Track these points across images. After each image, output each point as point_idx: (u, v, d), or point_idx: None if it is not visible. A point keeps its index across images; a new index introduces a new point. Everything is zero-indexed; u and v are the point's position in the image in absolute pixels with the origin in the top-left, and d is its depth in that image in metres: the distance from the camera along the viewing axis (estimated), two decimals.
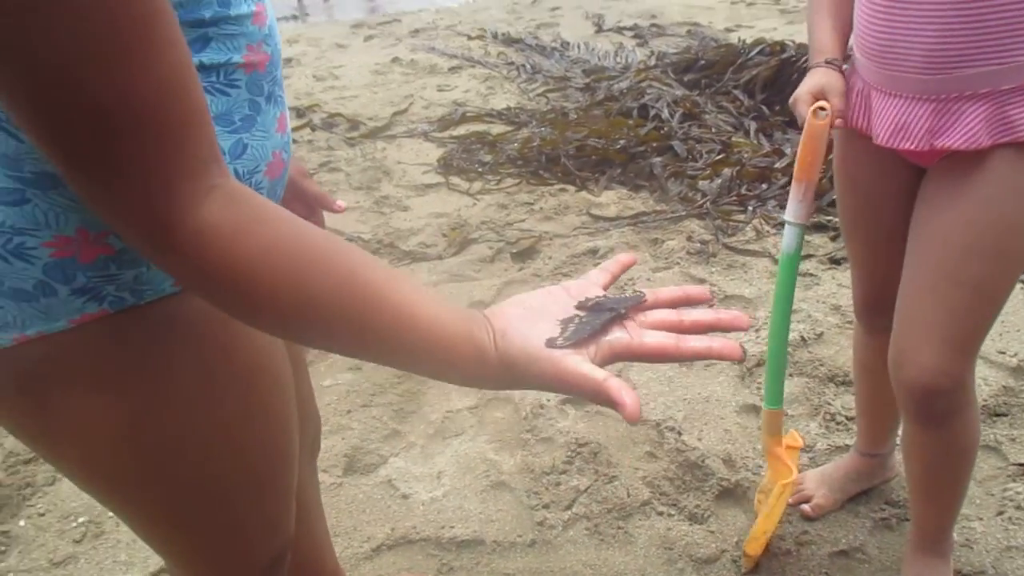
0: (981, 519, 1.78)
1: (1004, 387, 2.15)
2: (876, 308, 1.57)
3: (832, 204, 3.12)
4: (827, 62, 1.38)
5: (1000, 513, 1.79)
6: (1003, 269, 1.29)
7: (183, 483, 0.83)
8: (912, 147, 1.31)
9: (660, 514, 1.86)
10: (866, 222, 1.53)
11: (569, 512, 1.88)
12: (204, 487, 0.85)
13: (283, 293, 0.59)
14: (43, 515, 1.98)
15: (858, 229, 1.56)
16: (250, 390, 0.84)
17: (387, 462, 2.08)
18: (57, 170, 0.59)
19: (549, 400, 2.23)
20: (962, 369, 1.35)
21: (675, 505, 1.88)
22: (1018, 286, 2.58)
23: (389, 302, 0.62)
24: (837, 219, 3.00)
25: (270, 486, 0.92)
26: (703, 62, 4.51)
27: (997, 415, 2.07)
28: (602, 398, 0.60)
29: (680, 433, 2.08)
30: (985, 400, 2.10)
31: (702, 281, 2.73)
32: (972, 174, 1.27)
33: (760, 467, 1.96)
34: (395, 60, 5.58)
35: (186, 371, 0.78)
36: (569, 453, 2.04)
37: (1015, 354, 2.28)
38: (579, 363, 0.62)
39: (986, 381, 2.17)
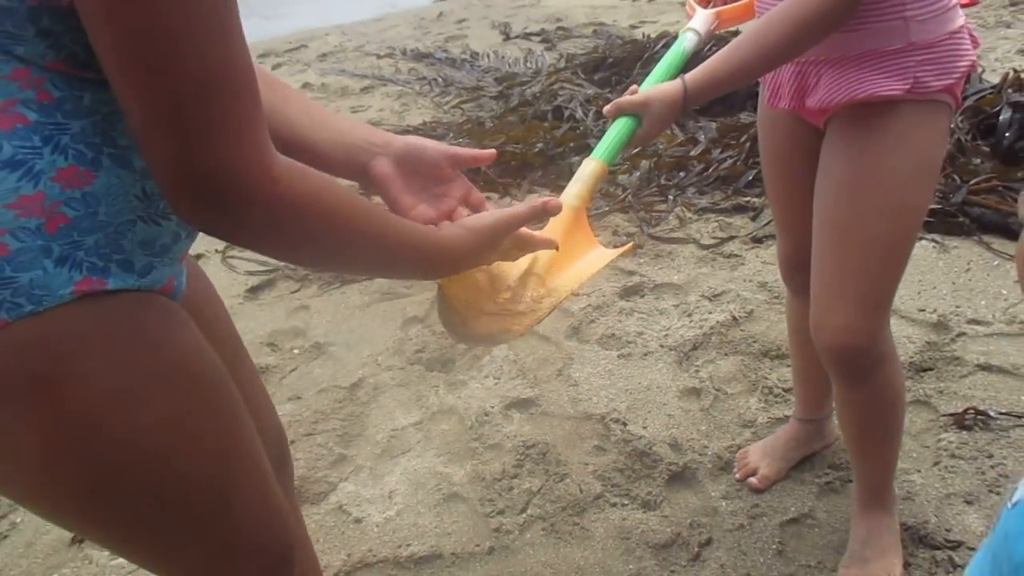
0: (919, 471, 1.84)
1: (927, 343, 2.23)
2: (798, 269, 1.63)
3: (748, 185, 3.20)
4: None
5: (936, 463, 1.86)
6: (898, 222, 1.36)
7: (129, 494, 0.81)
8: (784, 106, 1.43)
9: (613, 505, 1.88)
10: (781, 182, 1.62)
11: (524, 515, 1.88)
12: (155, 497, 0.82)
13: (331, 219, 0.78)
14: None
15: (775, 190, 1.65)
16: (177, 392, 0.82)
17: (337, 488, 2.05)
18: (146, 125, 0.68)
19: (493, 407, 2.23)
20: (876, 325, 1.41)
21: (627, 495, 1.90)
22: (931, 244, 2.69)
23: (395, 218, 0.90)
24: (756, 200, 3.09)
25: (233, 490, 0.89)
26: (611, 60, 4.59)
27: (924, 370, 2.14)
28: (536, 209, 0.98)
29: (625, 424, 2.10)
30: (911, 357, 2.17)
31: (631, 273, 2.77)
32: (857, 132, 1.35)
33: (706, 448, 2.00)
34: (306, 85, 5.53)
35: (98, 378, 0.76)
36: (518, 456, 2.04)
37: (934, 310, 2.36)
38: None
39: (909, 339, 2.25)
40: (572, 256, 1.17)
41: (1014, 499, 0.57)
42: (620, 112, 1.31)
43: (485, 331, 1.07)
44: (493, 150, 1.10)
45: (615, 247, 1.27)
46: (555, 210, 1.01)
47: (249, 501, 0.92)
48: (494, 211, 0.99)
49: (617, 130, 1.31)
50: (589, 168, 1.25)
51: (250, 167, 0.70)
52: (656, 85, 1.34)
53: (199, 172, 0.68)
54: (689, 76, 1.32)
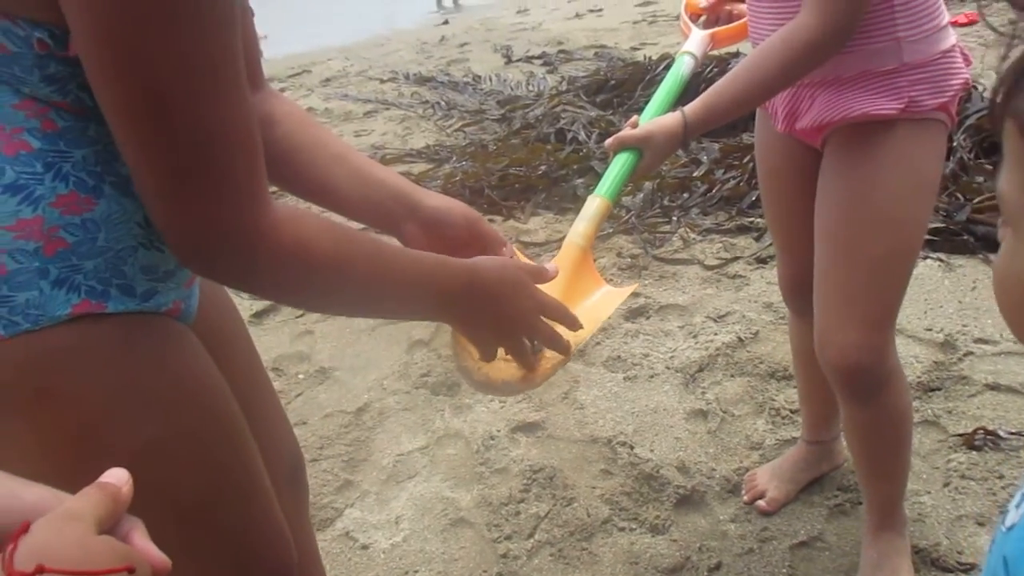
0: (929, 492, 1.83)
1: (935, 363, 2.22)
2: (800, 290, 1.62)
3: (752, 206, 3.21)
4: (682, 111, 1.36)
5: (946, 484, 1.84)
6: (899, 238, 1.37)
7: None
8: (779, 129, 1.45)
9: (622, 530, 1.86)
10: (779, 205, 1.62)
11: (532, 540, 1.87)
12: (145, 515, 0.82)
13: (335, 255, 0.79)
14: None
15: (774, 211, 1.65)
16: (173, 412, 0.82)
17: (343, 514, 2.04)
18: (145, 186, 0.71)
19: (499, 431, 2.22)
20: (881, 342, 1.41)
21: (635, 519, 1.88)
22: (936, 262, 2.68)
23: (395, 249, 0.88)
24: (760, 220, 3.09)
25: (227, 510, 0.89)
26: (613, 82, 4.61)
27: (932, 390, 2.13)
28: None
29: (632, 447, 2.09)
30: (919, 377, 2.16)
31: (636, 294, 2.77)
32: (854, 152, 1.37)
33: (714, 470, 1.98)
34: (310, 110, 5.56)
35: (94, 395, 0.77)
36: (525, 481, 2.03)
37: (941, 329, 2.36)
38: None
39: (917, 359, 2.24)
40: (579, 296, 1.17)
41: (1007, 523, 0.56)
42: (622, 146, 1.33)
43: (501, 379, 1.05)
44: (512, 248, 1.11)
45: (620, 271, 1.27)
46: (554, 275, 1.04)
47: (244, 521, 0.92)
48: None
49: (620, 165, 1.32)
50: (594, 206, 1.26)
51: (249, 222, 0.72)
52: (656, 118, 1.36)
53: (199, 231, 0.71)
54: (688, 108, 1.34)
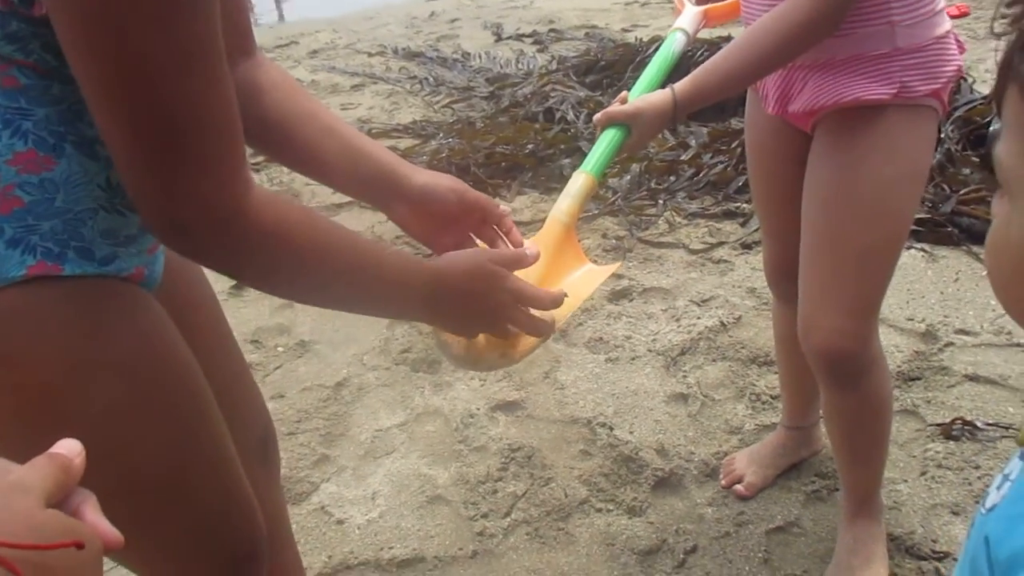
0: (906, 481, 1.83)
1: (915, 352, 2.23)
2: (785, 274, 1.62)
3: (739, 191, 3.20)
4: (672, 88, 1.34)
5: (923, 473, 1.85)
6: (886, 225, 1.36)
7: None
8: (771, 111, 1.44)
9: (599, 511, 1.86)
10: (767, 188, 1.61)
11: (508, 519, 1.86)
12: (105, 481, 0.81)
13: (312, 243, 0.79)
14: None
15: (761, 194, 1.64)
16: (131, 377, 0.81)
17: (319, 488, 2.02)
18: (120, 159, 0.70)
19: (479, 409, 2.21)
20: (865, 329, 1.41)
21: (613, 500, 1.88)
22: (920, 253, 2.69)
23: (375, 246, 0.89)
24: (746, 206, 3.08)
25: (190, 480, 0.88)
26: (603, 63, 4.58)
27: (911, 379, 2.14)
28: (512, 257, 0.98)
29: (612, 428, 2.09)
30: (899, 366, 2.17)
31: (620, 276, 2.76)
32: (845, 136, 1.36)
33: (693, 454, 1.98)
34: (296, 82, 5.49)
35: (50, 359, 0.75)
36: (503, 459, 2.02)
37: (923, 319, 2.36)
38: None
39: (898, 348, 2.24)
40: (561, 273, 1.15)
41: (987, 504, 0.57)
42: (610, 122, 1.31)
43: (481, 356, 1.04)
44: (506, 208, 1.10)
45: (605, 252, 1.26)
46: (534, 259, 1.02)
47: (208, 493, 0.90)
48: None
49: (607, 141, 1.30)
50: (579, 182, 1.23)
51: (230, 200, 0.72)
52: (646, 95, 1.34)
53: (171, 204, 0.71)
54: (678, 86, 1.32)
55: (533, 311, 0.98)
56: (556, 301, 0.99)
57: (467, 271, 0.92)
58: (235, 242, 0.74)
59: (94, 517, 0.49)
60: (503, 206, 1.10)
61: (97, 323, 0.78)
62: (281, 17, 8.79)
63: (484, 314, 0.95)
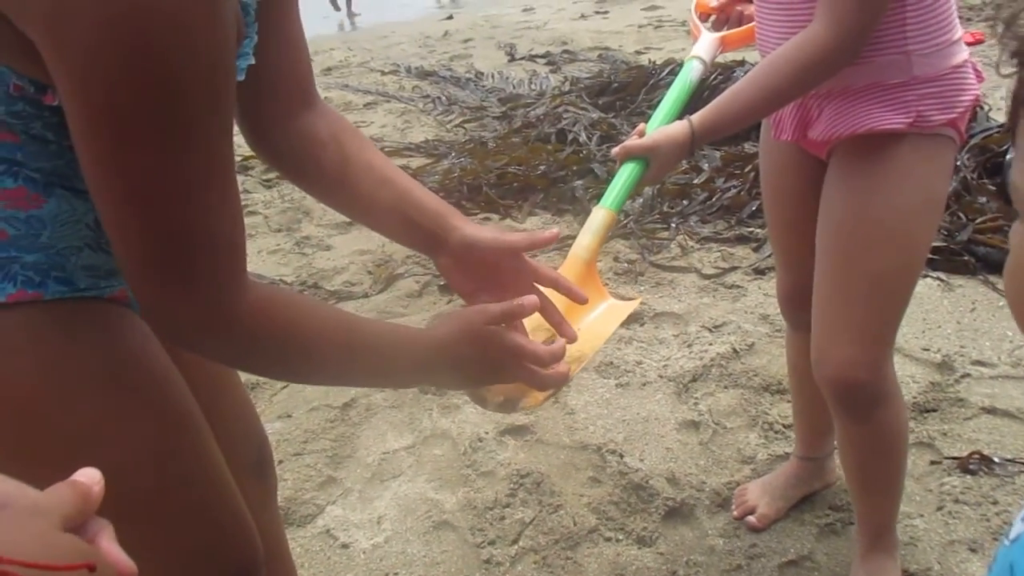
0: (922, 516, 1.80)
1: (931, 383, 2.19)
2: (798, 302, 1.60)
3: (752, 216, 3.18)
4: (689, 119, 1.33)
5: (940, 508, 1.81)
6: (901, 255, 1.35)
7: None
8: (787, 138, 1.42)
9: (608, 540, 1.83)
10: (782, 215, 1.59)
11: (516, 546, 1.83)
12: None
13: (309, 337, 0.81)
14: None
15: (776, 221, 1.62)
16: (110, 394, 0.81)
17: (324, 511, 1.99)
18: (124, 264, 0.72)
19: (487, 433, 2.18)
20: (879, 359, 1.39)
21: (622, 529, 1.85)
22: (936, 282, 2.66)
23: (369, 325, 0.89)
24: (759, 231, 3.06)
25: (172, 499, 0.87)
26: (616, 85, 4.58)
27: (927, 411, 2.10)
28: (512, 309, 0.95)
29: (622, 455, 2.06)
30: (914, 397, 2.13)
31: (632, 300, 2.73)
32: (860, 165, 1.34)
33: (704, 483, 1.95)
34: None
35: (27, 376, 0.76)
36: (512, 485, 1.99)
37: (939, 350, 2.33)
38: None
39: (913, 379, 2.21)
40: (583, 310, 1.14)
41: (1012, 535, 0.55)
42: (629, 156, 1.31)
43: (505, 397, 1.03)
44: (555, 230, 1.08)
45: (617, 276, 1.25)
46: (532, 308, 0.99)
47: (198, 513, 0.89)
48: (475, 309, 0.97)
49: (626, 175, 1.30)
50: (599, 218, 1.23)
51: (220, 310, 0.74)
52: (663, 127, 1.33)
53: (171, 311, 0.74)
54: (696, 117, 1.32)
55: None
56: (556, 356, 0.96)
57: (461, 338, 0.92)
58: (234, 345, 0.77)
59: (109, 545, 0.49)
60: (552, 229, 1.11)
61: (75, 339, 0.79)
62: None
63: (487, 373, 0.95)
